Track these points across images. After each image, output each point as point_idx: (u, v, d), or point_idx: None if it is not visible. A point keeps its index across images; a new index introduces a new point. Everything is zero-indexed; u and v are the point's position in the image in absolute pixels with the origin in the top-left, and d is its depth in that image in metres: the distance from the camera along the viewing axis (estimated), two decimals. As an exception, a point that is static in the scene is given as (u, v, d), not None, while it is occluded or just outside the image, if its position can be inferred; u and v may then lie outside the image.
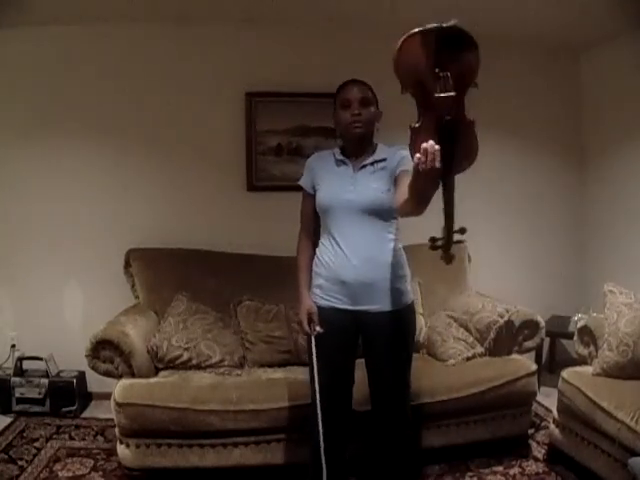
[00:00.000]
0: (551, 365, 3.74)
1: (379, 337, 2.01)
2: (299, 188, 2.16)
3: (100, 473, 2.58)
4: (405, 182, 1.71)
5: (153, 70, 3.38)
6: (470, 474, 2.60)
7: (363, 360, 2.10)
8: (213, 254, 3.27)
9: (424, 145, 1.32)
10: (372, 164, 2.00)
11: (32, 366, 3.25)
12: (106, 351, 2.56)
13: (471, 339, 2.91)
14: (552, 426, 2.64)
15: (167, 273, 3.15)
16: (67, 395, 3.19)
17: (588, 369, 2.58)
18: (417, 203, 1.57)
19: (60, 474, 2.56)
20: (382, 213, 1.97)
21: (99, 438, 2.95)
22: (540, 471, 2.61)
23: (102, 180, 3.40)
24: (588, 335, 2.68)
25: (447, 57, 1.36)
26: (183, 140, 3.44)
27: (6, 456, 2.70)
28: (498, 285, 3.43)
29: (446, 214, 1.44)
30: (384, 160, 1.99)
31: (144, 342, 2.71)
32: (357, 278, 1.96)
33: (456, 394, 2.58)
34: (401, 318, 2.02)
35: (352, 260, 1.96)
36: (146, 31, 3.32)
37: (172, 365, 2.74)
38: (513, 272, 3.78)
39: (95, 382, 3.22)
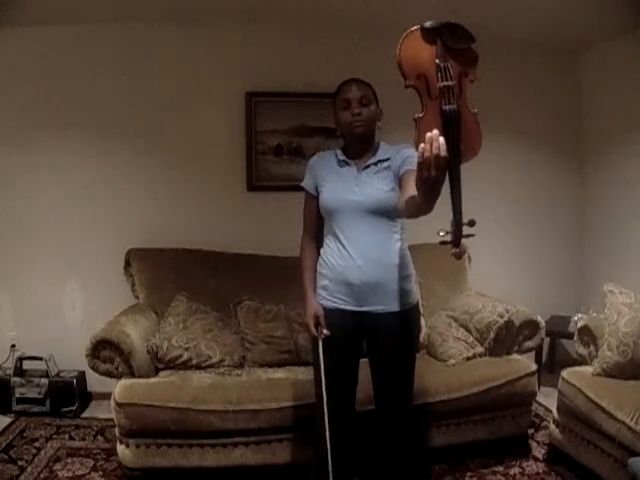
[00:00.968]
0: (551, 365, 3.74)
1: (384, 338, 2.01)
2: (299, 188, 2.14)
3: (100, 473, 2.58)
4: (410, 181, 1.71)
5: (153, 70, 3.38)
6: (470, 474, 2.60)
7: (365, 359, 2.09)
8: (213, 254, 3.27)
9: (428, 134, 1.32)
10: (375, 164, 1.99)
11: (32, 366, 3.25)
12: (106, 351, 2.56)
13: (471, 339, 2.91)
14: (552, 426, 2.64)
15: (167, 273, 3.15)
16: (67, 395, 3.19)
17: (588, 369, 2.58)
18: (425, 199, 1.53)
19: (60, 474, 2.56)
20: (387, 213, 1.96)
21: (99, 438, 2.95)
22: (540, 471, 2.61)
23: (102, 180, 3.40)
24: (588, 335, 2.68)
25: (447, 51, 1.45)
26: (183, 140, 3.44)
27: (6, 456, 2.71)
28: (498, 285, 3.43)
29: (454, 207, 1.43)
30: (387, 160, 1.98)
31: (144, 342, 2.71)
32: (362, 279, 1.95)
33: (456, 394, 2.58)
34: (406, 318, 2.01)
35: (357, 261, 1.95)
36: (146, 31, 3.32)
37: (172, 365, 2.74)
38: (513, 272, 3.79)
39: (95, 382, 3.23)
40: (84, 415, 3.24)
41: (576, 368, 2.63)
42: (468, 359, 2.82)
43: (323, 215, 2.07)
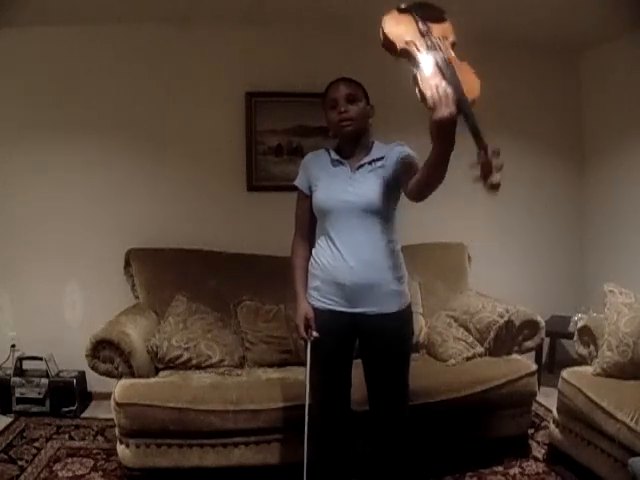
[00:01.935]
0: (551, 365, 3.73)
1: (377, 339, 2.00)
2: (295, 188, 2.13)
3: (100, 473, 2.58)
4: (412, 165, 1.80)
5: (153, 70, 3.38)
6: (470, 474, 2.60)
7: (360, 360, 2.09)
8: (213, 254, 3.27)
9: (430, 82, 1.42)
10: (370, 163, 1.97)
11: (32, 366, 3.25)
12: (106, 351, 2.55)
13: (471, 339, 2.91)
14: (552, 426, 2.64)
15: (167, 273, 3.15)
16: (67, 395, 3.19)
17: (588, 369, 2.58)
18: (437, 162, 1.58)
19: (60, 474, 2.56)
20: (380, 213, 1.94)
21: (99, 438, 2.95)
22: (540, 471, 2.61)
23: (102, 180, 3.40)
24: (588, 335, 2.68)
25: (424, 21, 1.59)
26: (183, 140, 3.44)
27: (6, 456, 2.71)
28: (498, 285, 3.43)
29: (476, 140, 1.46)
30: (381, 159, 1.96)
31: (144, 342, 2.71)
32: (354, 280, 1.93)
33: (456, 394, 2.58)
34: (399, 320, 2.00)
35: (349, 262, 1.93)
36: (146, 31, 3.32)
37: (172, 365, 2.74)
38: (513, 272, 3.78)
39: (95, 382, 3.22)
40: (84, 415, 3.24)
41: (576, 368, 2.63)
42: (468, 359, 2.82)
43: (316, 215, 2.05)
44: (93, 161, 3.39)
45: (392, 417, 2.05)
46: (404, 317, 2.03)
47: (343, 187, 1.96)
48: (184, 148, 3.45)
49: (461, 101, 1.43)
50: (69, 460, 2.70)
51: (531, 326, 2.85)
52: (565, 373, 2.57)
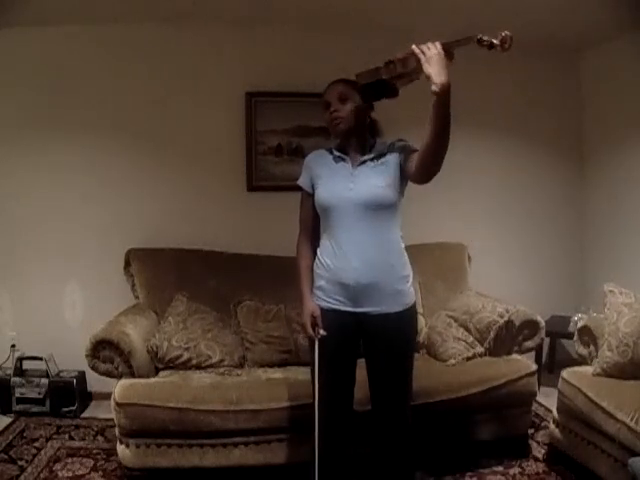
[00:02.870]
0: (551, 365, 3.74)
1: (381, 339, 2.00)
2: (299, 188, 2.13)
3: (100, 473, 2.58)
4: (413, 152, 1.86)
5: (153, 70, 3.38)
6: (470, 474, 2.60)
7: (363, 359, 2.09)
8: (213, 254, 3.27)
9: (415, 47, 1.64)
10: (372, 160, 1.98)
11: (32, 366, 3.25)
12: (106, 351, 2.55)
13: (471, 339, 2.91)
14: (552, 426, 2.64)
15: (167, 273, 3.15)
16: (67, 395, 3.19)
17: (588, 369, 2.58)
18: (439, 123, 1.66)
19: (60, 474, 2.56)
20: (383, 210, 1.94)
21: (99, 438, 2.95)
22: (540, 471, 2.61)
23: (102, 180, 3.40)
24: (588, 335, 2.68)
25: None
26: (183, 140, 3.44)
27: (6, 456, 2.71)
28: (498, 285, 3.43)
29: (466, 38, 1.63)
30: (384, 155, 1.97)
31: (144, 342, 2.71)
32: (358, 280, 1.94)
33: (456, 394, 2.58)
34: (403, 319, 2.00)
35: (353, 262, 1.94)
36: (146, 31, 3.32)
37: (172, 365, 2.74)
38: (513, 272, 3.78)
39: (95, 382, 3.22)
40: (84, 415, 3.24)
41: (576, 368, 2.63)
42: (468, 359, 2.82)
43: (319, 213, 2.06)
44: (93, 161, 3.39)
45: (395, 417, 2.05)
46: (408, 316, 2.02)
47: (345, 184, 1.97)
48: (184, 148, 3.45)
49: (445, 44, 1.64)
50: (69, 460, 2.70)
51: (531, 326, 2.85)
52: (565, 373, 2.57)
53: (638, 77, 3.33)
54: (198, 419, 2.40)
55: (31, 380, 3.19)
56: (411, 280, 2.05)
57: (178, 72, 3.40)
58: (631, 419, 2.13)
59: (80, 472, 2.59)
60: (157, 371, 2.74)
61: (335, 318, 2.00)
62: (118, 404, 2.39)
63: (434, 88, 1.61)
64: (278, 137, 3.48)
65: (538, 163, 3.82)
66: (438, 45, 1.62)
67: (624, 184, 3.53)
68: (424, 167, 1.81)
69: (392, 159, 1.95)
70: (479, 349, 2.86)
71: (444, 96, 1.62)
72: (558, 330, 3.59)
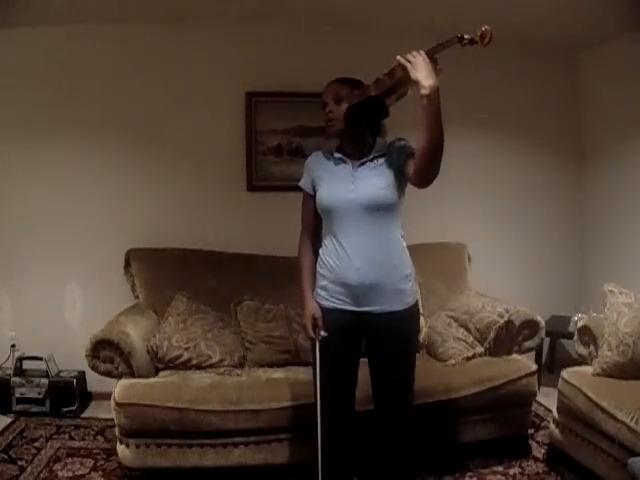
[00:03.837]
0: (551, 365, 3.74)
1: (383, 338, 2.00)
2: (299, 188, 2.14)
3: (100, 473, 2.58)
4: (413, 153, 1.86)
5: (153, 70, 3.38)
6: (470, 474, 2.60)
7: (365, 359, 2.09)
8: (213, 254, 3.27)
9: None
10: (372, 160, 1.98)
11: (32, 366, 3.25)
12: (106, 351, 2.55)
13: (471, 339, 2.91)
14: (552, 426, 2.64)
15: (167, 273, 3.15)
16: (67, 395, 3.19)
17: (588, 369, 2.58)
18: (431, 124, 1.69)
19: (60, 474, 2.56)
20: (384, 210, 1.95)
21: (99, 438, 2.95)
22: (540, 471, 2.61)
23: (102, 180, 3.40)
24: (588, 335, 2.68)
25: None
26: (183, 140, 3.44)
27: (6, 456, 2.71)
28: (498, 285, 3.43)
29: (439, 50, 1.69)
30: (384, 155, 1.98)
31: (144, 342, 2.71)
32: (360, 280, 1.94)
33: (456, 394, 2.58)
34: (405, 318, 2.00)
35: (355, 262, 1.94)
36: (146, 31, 3.32)
37: (172, 365, 2.74)
38: (513, 272, 3.78)
39: (95, 382, 3.23)
40: (84, 415, 3.24)
41: (576, 368, 2.63)
42: (468, 359, 2.82)
43: (321, 214, 2.06)
44: (93, 161, 3.39)
45: (396, 416, 2.05)
46: (410, 315, 2.03)
47: (345, 185, 1.97)
48: (184, 148, 3.45)
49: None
50: (69, 460, 2.70)
51: (531, 326, 2.85)
52: (565, 373, 2.57)
53: (638, 77, 3.32)
54: (198, 419, 2.40)
55: (31, 380, 3.19)
56: (413, 279, 2.06)
57: (178, 72, 3.40)
58: (631, 419, 2.13)
59: (80, 472, 2.59)
60: (157, 371, 2.74)
61: (338, 317, 2.00)
62: (118, 404, 2.39)
63: (423, 91, 1.66)
64: (278, 137, 3.48)
65: (538, 163, 3.82)
66: (422, 52, 1.68)
67: (624, 184, 3.53)
68: (422, 172, 1.82)
69: (392, 159, 1.95)
70: (479, 349, 2.86)
71: (434, 98, 1.66)
72: (558, 330, 3.59)
